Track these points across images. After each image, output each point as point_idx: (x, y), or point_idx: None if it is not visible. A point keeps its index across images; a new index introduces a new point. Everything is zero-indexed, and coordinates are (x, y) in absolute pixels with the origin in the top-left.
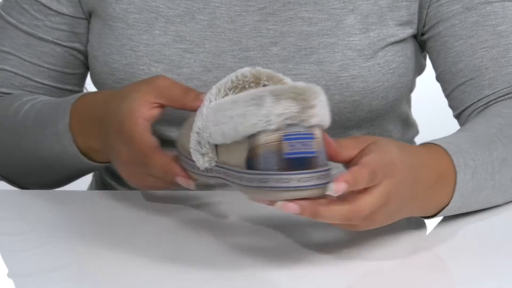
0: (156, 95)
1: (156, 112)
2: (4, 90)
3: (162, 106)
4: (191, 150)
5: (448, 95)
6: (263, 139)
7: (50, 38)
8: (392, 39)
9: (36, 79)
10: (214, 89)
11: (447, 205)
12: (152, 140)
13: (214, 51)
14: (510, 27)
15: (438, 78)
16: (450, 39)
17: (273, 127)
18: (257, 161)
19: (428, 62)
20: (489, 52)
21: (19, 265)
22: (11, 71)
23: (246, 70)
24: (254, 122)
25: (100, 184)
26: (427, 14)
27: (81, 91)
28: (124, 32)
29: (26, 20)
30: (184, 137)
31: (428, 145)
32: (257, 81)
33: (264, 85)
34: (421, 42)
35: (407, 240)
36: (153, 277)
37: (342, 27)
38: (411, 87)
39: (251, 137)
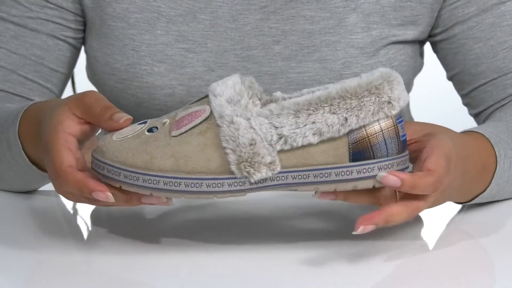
0: (81, 111)
1: (86, 128)
2: None
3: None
4: (240, 166)
5: (465, 94)
6: (380, 125)
7: (43, 30)
8: (394, 39)
9: (20, 72)
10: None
11: (482, 191)
12: (68, 159)
13: (217, 50)
14: None
15: (453, 78)
16: (469, 41)
17: (395, 111)
18: (375, 149)
19: (427, 62)
20: (509, 52)
21: (19, 265)
22: None
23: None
24: (375, 110)
25: None
26: (439, 16)
27: (60, 95)
28: (125, 32)
29: (17, 12)
30: (165, 160)
31: (473, 134)
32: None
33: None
34: (431, 43)
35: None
36: (153, 277)
37: (345, 25)
38: (410, 85)
39: (354, 130)
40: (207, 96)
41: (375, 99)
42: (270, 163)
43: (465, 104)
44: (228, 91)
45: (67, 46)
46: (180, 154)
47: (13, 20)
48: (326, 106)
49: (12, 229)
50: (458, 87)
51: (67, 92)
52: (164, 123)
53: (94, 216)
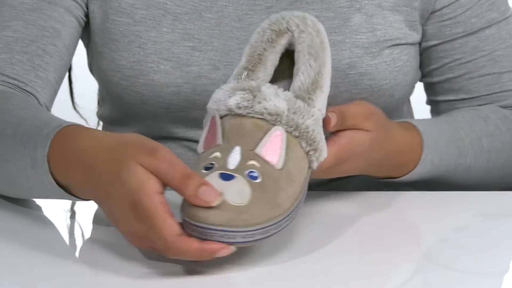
0: (155, 173)
1: (163, 183)
2: (2, 56)
3: None
4: (319, 158)
5: (432, 100)
6: None
7: (60, 3)
8: (398, 41)
9: (39, 43)
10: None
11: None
12: (175, 227)
13: (222, 49)
14: (504, 50)
15: (425, 83)
16: (449, 61)
17: None
18: None
19: None
20: (484, 78)
21: (18, 266)
22: (12, 36)
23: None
24: None
25: None
26: (425, 30)
27: (65, 73)
28: (130, 28)
29: None
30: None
31: (411, 130)
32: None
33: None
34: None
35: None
36: (153, 277)
37: (349, 25)
38: (412, 88)
39: None
40: (263, 119)
41: None
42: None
43: (427, 102)
44: (281, 104)
45: (78, 25)
46: (295, 179)
47: None
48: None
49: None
50: (428, 92)
51: (65, 91)
52: (247, 163)
53: (94, 216)
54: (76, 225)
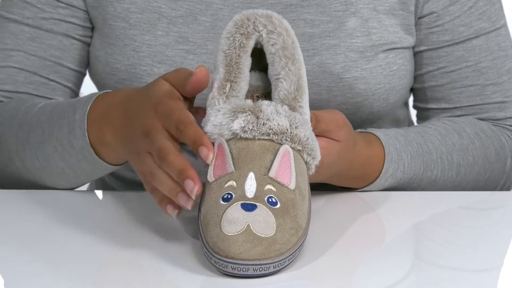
0: (177, 84)
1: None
2: (7, 87)
3: None
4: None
5: (416, 106)
6: None
7: (58, 30)
8: (394, 45)
9: (42, 73)
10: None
11: (355, 189)
12: (192, 115)
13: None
14: (490, 62)
15: (411, 87)
16: (433, 68)
17: None
18: None
19: None
20: (467, 89)
21: (18, 267)
22: (15, 67)
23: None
24: None
25: (100, 184)
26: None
27: (78, 93)
28: (126, 32)
29: (31, 14)
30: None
31: (374, 143)
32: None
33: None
34: None
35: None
36: (153, 277)
37: (344, 29)
38: (409, 92)
39: None
40: (271, 140)
41: None
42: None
43: (414, 101)
44: (284, 122)
45: (81, 45)
46: (305, 193)
47: (28, 22)
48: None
49: (11, 230)
50: (413, 97)
51: None
52: (264, 188)
53: (94, 216)
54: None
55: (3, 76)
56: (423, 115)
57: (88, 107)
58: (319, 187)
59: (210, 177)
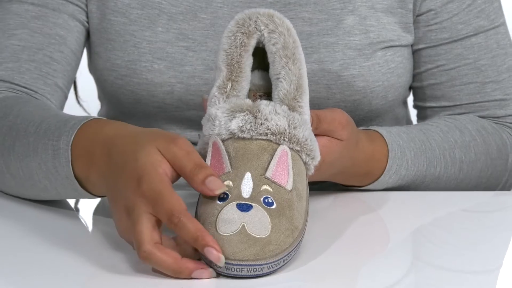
0: (171, 159)
1: (175, 174)
2: (10, 65)
3: None
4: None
5: (416, 105)
6: None
7: (64, 10)
8: (392, 43)
9: (46, 51)
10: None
11: (359, 187)
12: (183, 201)
13: (216, 49)
14: (490, 60)
15: (410, 86)
16: (432, 66)
17: None
18: None
19: None
20: (467, 87)
21: (19, 265)
22: (19, 45)
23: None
24: None
25: None
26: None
27: (73, 78)
28: (126, 27)
29: None
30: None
31: (378, 140)
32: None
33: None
34: None
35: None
36: (153, 277)
37: (342, 27)
38: (407, 90)
39: None
40: (268, 140)
41: None
42: None
43: (414, 101)
44: (282, 122)
45: (83, 29)
46: (303, 194)
47: (33, 1)
48: None
49: (9, 231)
50: (413, 96)
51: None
52: (260, 189)
53: (94, 216)
54: (79, 223)
55: (6, 54)
56: (423, 114)
57: (72, 138)
58: (319, 187)
59: None
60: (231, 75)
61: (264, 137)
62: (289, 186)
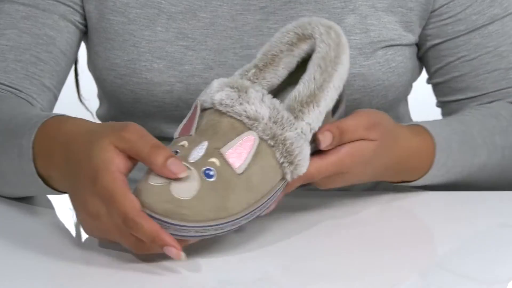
0: (124, 147)
1: (130, 163)
2: None
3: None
4: (293, 173)
5: (441, 102)
6: None
7: (55, 10)
8: (392, 42)
9: (33, 51)
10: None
11: (408, 182)
12: (137, 205)
13: (216, 48)
14: (510, 45)
15: (433, 84)
16: (454, 59)
17: None
18: None
19: None
20: (491, 74)
21: (16, 266)
22: (7, 45)
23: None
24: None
25: None
26: (426, 29)
27: (65, 79)
28: (125, 27)
29: None
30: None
31: (422, 134)
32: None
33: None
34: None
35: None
36: (153, 277)
37: (343, 26)
38: (409, 88)
39: None
40: (239, 121)
41: None
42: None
43: (437, 105)
44: (262, 110)
45: (75, 30)
46: (256, 187)
47: (23, 1)
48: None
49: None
50: (437, 93)
51: (70, 88)
52: (208, 160)
53: None
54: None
55: None
56: (450, 109)
57: (33, 136)
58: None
59: (176, 133)
60: (259, 63)
61: (238, 117)
62: (239, 170)
